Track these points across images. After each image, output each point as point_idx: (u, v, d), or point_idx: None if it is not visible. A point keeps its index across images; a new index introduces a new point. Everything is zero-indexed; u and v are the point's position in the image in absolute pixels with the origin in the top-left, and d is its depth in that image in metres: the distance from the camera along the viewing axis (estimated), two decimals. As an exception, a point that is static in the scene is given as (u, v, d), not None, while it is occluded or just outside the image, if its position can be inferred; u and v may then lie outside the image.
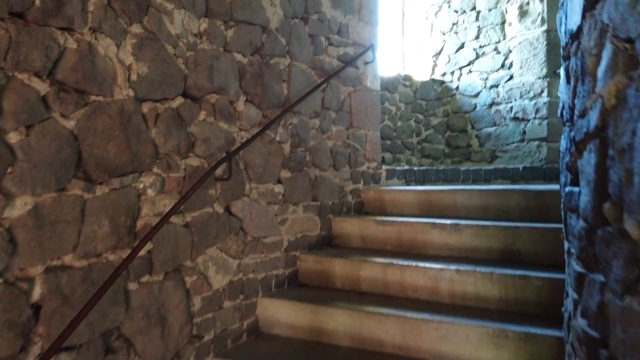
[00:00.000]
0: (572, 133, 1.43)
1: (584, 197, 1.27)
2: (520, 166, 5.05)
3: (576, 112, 1.35)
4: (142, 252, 2.10)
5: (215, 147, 2.55)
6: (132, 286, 2.07)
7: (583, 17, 1.25)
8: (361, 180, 3.80)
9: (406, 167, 4.29)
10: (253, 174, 2.84)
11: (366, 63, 3.87)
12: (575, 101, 1.35)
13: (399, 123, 5.56)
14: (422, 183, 4.39)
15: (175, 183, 2.29)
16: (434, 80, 5.87)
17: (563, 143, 1.70)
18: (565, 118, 1.57)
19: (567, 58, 1.53)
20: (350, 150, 3.70)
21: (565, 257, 2.08)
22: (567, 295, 1.89)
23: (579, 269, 1.42)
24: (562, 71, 2.07)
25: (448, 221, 3.04)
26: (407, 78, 5.62)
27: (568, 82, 1.49)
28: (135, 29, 2.09)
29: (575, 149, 1.40)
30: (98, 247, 1.89)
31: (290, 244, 3.14)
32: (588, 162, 1.23)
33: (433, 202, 3.43)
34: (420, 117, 5.77)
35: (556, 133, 5.17)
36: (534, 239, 2.69)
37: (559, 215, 2.88)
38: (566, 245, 1.90)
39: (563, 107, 1.60)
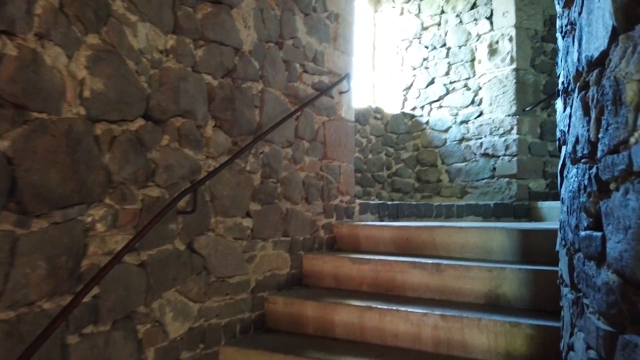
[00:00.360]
0: (594, 170, 1.27)
1: (618, 245, 1.09)
2: (491, 203, 4.99)
3: (601, 146, 1.19)
4: (87, 298, 1.78)
5: (178, 176, 2.27)
6: (72, 339, 1.74)
7: (613, 40, 1.11)
8: (334, 215, 3.58)
9: (379, 202, 4.11)
10: (220, 207, 2.57)
11: (341, 92, 3.73)
12: (601, 134, 1.19)
13: (370, 156, 5.43)
14: (396, 218, 4.22)
15: (131, 216, 2.00)
16: (404, 114, 5.82)
17: (573, 181, 1.54)
18: (580, 153, 1.42)
19: (582, 88, 1.40)
20: (324, 182, 3.49)
21: (564, 304, 1.92)
22: (569, 347, 1.71)
23: (604, 326, 1.23)
24: (560, 104, 1.97)
25: (429, 260, 2.84)
26: (378, 110, 5.54)
27: (586, 114, 1.34)
28: (92, 39, 1.83)
29: (598, 188, 1.24)
30: (30, 295, 1.56)
31: (258, 284, 2.85)
32: (624, 204, 1.05)
33: (410, 240, 3.25)
34: (391, 150, 5.67)
35: (525, 170, 5.16)
36: (521, 281, 2.53)
37: (544, 257, 2.75)
38: (570, 294, 1.72)
39: (577, 142, 1.46)
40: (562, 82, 1.83)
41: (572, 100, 1.60)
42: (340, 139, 3.69)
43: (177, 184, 2.25)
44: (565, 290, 1.94)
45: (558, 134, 2.12)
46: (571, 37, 1.57)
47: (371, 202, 4.01)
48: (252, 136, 2.81)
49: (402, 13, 6.03)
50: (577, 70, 1.47)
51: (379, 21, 6.20)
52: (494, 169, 5.28)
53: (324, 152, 3.52)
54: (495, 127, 5.29)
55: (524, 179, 5.15)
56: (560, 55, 1.87)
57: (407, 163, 5.79)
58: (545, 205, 4.87)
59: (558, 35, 2.16)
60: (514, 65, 5.20)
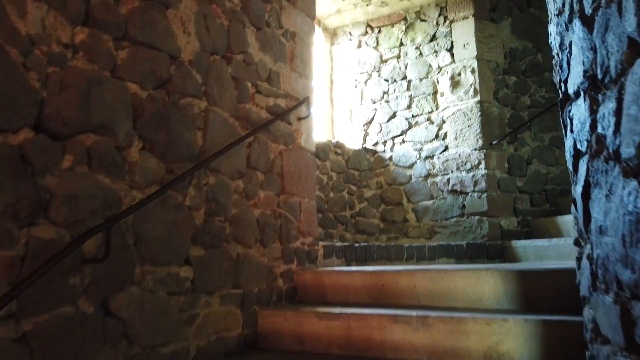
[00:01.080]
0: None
1: None
2: (464, 243, 4.60)
3: None
4: None
5: (86, 210, 1.68)
6: None
7: None
8: (295, 260, 3.03)
9: (346, 244, 3.60)
10: (148, 252, 1.97)
11: (300, 119, 3.27)
12: None
13: (331, 194, 4.96)
14: (364, 262, 3.71)
15: (4, 267, 1.38)
16: (366, 150, 5.44)
17: (633, 200, 1.11)
18: None
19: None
20: (282, 221, 2.95)
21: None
22: None
23: None
24: (582, 104, 1.58)
25: (412, 312, 2.33)
26: (338, 145, 5.13)
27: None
28: (-51, 12, 1.28)
29: None
30: None
31: (200, 352, 2.22)
32: None
33: (386, 287, 2.73)
34: (353, 188, 5.23)
35: (496, 208, 4.84)
36: (528, 335, 2.05)
37: (549, 303, 2.29)
38: (620, 355, 1.25)
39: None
40: (588, 76, 1.44)
41: (620, 90, 1.19)
42: (300, 171, 3.20)
43: (83, 220, 1.66)
44: (604, 350, 1.48)
45: (570, 144, 1.73)
46: (615, 4, 1.18)
47: (337, 244, 3.50)
48: (193, 163, 2.27)
49: (359, 46, 5.79)
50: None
51: (336, 54, 5.93)
52: (463, 206, 4.93)
53: (282, 186, 3.00)
54: (462, 162, 4.99)
55: (495, 217, 4.82)
56: (579, 43, 1.51)
57: (371, 202, 5.35)
58: (520, 245, 4.52)
59: (560, 25, 1.81)
60: (478, 98, 4.98)
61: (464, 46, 5.14)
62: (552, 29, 2.07)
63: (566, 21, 1.70)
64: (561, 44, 1.84)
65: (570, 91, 1.69)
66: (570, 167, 1.79)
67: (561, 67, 1.85)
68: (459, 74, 5.13)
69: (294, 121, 3.22)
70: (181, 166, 2.20)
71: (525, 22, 5.40)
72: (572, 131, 1.70)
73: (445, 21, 5.30)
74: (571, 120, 1.70)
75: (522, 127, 5.09)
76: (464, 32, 5.16)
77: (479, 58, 5.06)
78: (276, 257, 2.86)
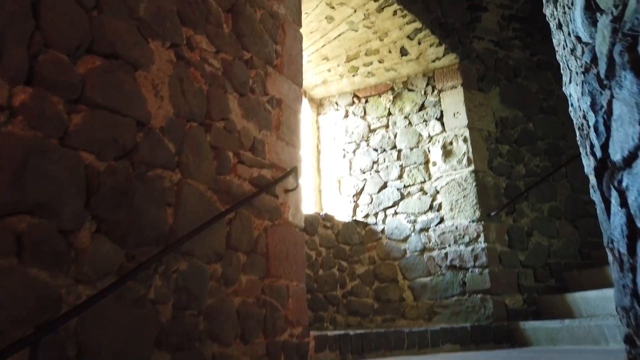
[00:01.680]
0: None
1: None
2: (468, 325, 4.16)
3: None
4: None
5: (8, 319, 1.28)
6: None
7: None
8: (282, 357, 2.57)
9: (340, 332, 3.15)
10: (94, 366, 1.54)
11: (287, 191, 2.95)
12: None
13: (321, 272, 4.54)
14: (361, 353, 3.24)
15: None
16: (356, 222, 5.11)
17: None
18: None
19: None
20: (267, 310, 2.53)
21: None
22: None
23: None
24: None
25: None
26: (327, 218, 4.80)
27: None
28: None
29: None
30: None
31: None
32: None
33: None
34: (344, 264, 4.83)
35: (499, 284, 4.47)
36: None
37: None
38: None
39: None
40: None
41: None
42: (287, 249, 2.82)
43: (1, 334, 1.25)
44: None
45: (621, 220, 1.42)
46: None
47: (329, 333, 3.05)
48: (161, 247, 1.89)
49: (346, 115, 5.65)
50: None
51: (322, 124, 5.76)
52: (464, 283, 4.54)
53: (267, 268, 2.61)
54: (459, 234, 4.67)
55: (499, 295, 4.43)
56: (630, 99, 1.25)
57: (364, 279, 4.93)
58: (529, 327, 4.11)
59: (589, 83, 1.58)
60: (472, 167, 4.77)
61: (454, 115, 5.01)
62: (573, 89, 1.84)
63: (603, 76, 1.46)
64: (593, 104, 1.59)
65: (617, 157, 1.40)
66: (623, 249, 1.46)
67: (596, 130, 1.58)
68: (451, 143, 4.96)
69: (280, 194, 2.90)
70: (145, 251, 1.82)
71: (513, 92, 5.35)
72: (623, 205, 1.40)
73: (433, 90, 5.21)
74: (622, 191, 1.40)
75: (520, 197, 4.85)
76: (454, 101, 5.05)
77: (470, 127, 4.91)
78: (260, 354, 2.41)
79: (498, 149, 5.06)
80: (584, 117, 1.71)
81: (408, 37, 5.00)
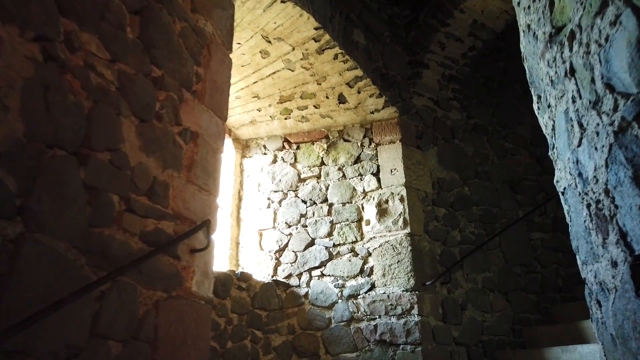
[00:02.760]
0: None
1: None
2: (398, 414, 3.57)
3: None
4: None
5: None
6: None
7: None
8: None
9: None
10: None
11: (194, 251, 2.26)
12: None
13: (229, 344, 3.77)
14: None
15: None
16: (277, 283, 4.44)
17: None
18: None
19: None
20: None
21: None
22: None
23: None
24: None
25: None
26: (243, 278, 4.08)
27: None
28: None
29: None
30: None
31: None
32: None
33: None
34: (259, 334, 4.09)
35: (433, 363, 3.97)
36: None
37: None
38: None
39: None
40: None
41: None
42: (186, 332, 2.10)
43: None
44: None
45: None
46: None
47: None
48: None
49: (275, 161, 5.09)
50: None
51: (247, 168, 5.14)
52: (394, 361, 3.99)
53: (151, 362, 1.87)
54: (391, 305, 4.16)
55: (431, 376, 3.92)
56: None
57: (280, 353, 4.21)
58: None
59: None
60: (408, 230, 4.36)
61: (392, 172, 4.63)
62: (586, 154, 1.41)
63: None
64: (636, 177, 1.15)
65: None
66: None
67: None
68: (387, 202, 4.54)
69: (184, 254, 2.20)
70: None
71: (451, 153, 5.13)
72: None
73: (370, 143, 4.84)
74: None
75: (455, 266, 4.49)
76: (391, 157, 4.69)
77: (407, 185, 4.55)
78: None
79: (434, 212, 4.72)
80: (607, 192, 1.26)
81: (347, 84, 4.63)
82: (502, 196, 5.18)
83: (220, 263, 4.57)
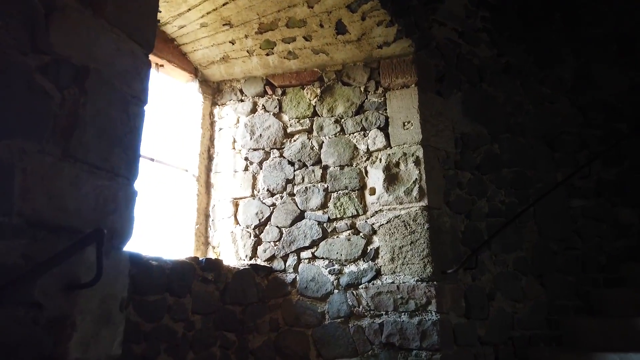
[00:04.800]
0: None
1: None
2: None
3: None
4: None
5: None
6: None
7: None
8: None
9: None
10: None
11: (75, 287, 1.24)
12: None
13: (190, 356, 2.86)
14: None
15: None
16: (256, 268, 3.49)
17: None
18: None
19: None
20: None
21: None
22: None
23: None
24: None
25: None
26: (210, 266, 3.11)
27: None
28: None
29: None
30: None
31: None
32: None
33: None
34: (231, 337, 3.19)
35: (453, 373, 3.11)
36: None
37: None
38: None
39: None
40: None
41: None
42: None
43: None
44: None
45: None
46: None
47: None
48: None
49: (254, 110, 3.99)
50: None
51: (219, 118, 4.05)
52: (405, 371, 3.12)
53: None
54: (402, 298, 3.25)
55: (452, 389, 3.07)
56: None
57: (260, 356, 3.33)
58: None
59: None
60: (424, 202, 3.36)
61: (404, 125, 3.57)
62: None
63: None
64: None
65: None
66: None
67: None
68: (398, 165, 3.51)
69: (51, 297, 1.19)
70: None
71: (477, 101, 4.04)
72: None
73: (377, 88, 3.73)
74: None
75: (483, 247, 3.53)
76: (404, 106, 3.61)
77: (424, 144, 3.50)
78: None
79: (457, 177, 3.71)
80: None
81: (348, 7, 3.46)
82: (538, 155, 4.17)
83: (183, 244, 3.59)
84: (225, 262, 3.30)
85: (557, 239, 4.00)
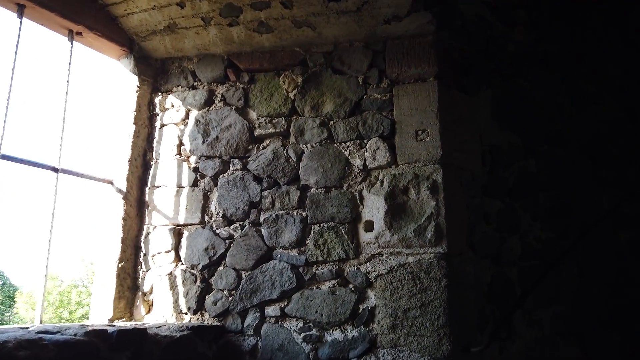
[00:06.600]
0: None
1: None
2: None
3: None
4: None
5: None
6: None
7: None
8: None
9: None
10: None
11: None
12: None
13: None
14: None
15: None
16: (199, 331, 2.47)
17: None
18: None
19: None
20: None
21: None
22: None
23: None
24: None
25: None
26: (125, 341, 2.05)
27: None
28: None
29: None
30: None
31: None
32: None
33: None
34: None
35: None
36: None
37: None
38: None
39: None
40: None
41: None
42: None
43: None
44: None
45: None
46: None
47: None
48: None
49: (210, 101, 2.91)
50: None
51: (161, 111, 2.95)
52: None
53: None
54: (406, 385, 2.27)
55: None
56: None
57: None
58: None
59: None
60: (443, 247, 2.37)
61: (418, 135, 2.54)
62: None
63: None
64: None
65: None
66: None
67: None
68: (406, 191, 2.49)
69: None
70: None
71: (510, 100, 3.04)
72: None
73: (381, 79, 2.68)
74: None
75: (516, 306, 2.57)
76: (418, 107, 2.58)
77: (445, 162, 2.49)
78: None
79: (484, 207, 2.72)
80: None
81: (347, -38, 2.37)
82: (579, 172, 3.22)
83: (100, 289, 2.55)
84: (152, 329, 2.27)
85: (602, 283, 3.10)
